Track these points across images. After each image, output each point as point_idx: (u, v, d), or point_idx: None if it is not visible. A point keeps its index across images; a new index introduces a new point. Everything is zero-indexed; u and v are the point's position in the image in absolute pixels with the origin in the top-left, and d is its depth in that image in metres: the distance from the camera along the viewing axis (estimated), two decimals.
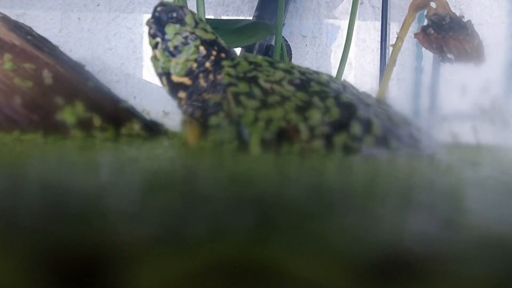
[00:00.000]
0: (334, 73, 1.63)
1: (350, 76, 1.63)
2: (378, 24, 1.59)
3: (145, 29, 1.65)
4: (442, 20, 0.81)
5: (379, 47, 1.56)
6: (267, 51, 1.39)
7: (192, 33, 0.53)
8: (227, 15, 1.63)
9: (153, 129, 0.58)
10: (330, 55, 1.64)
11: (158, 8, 0.54)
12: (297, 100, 0.46)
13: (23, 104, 0.51)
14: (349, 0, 1.61)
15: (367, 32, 1.64)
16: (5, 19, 0.56)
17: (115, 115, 0.55)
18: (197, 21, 0.54)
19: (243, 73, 0.48)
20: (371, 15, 1.62)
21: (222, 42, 0.56)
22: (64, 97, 0.52)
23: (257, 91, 0.45)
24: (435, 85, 1.39)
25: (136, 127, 0.55)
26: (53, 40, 1.71)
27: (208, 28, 0.55)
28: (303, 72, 0.50)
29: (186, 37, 0.53)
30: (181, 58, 0.53)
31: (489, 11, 1.61)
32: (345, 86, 0.52)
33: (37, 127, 0.50)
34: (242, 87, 0.46)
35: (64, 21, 1.59)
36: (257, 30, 1.22)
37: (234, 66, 0.49)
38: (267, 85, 0.47)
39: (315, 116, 0.44)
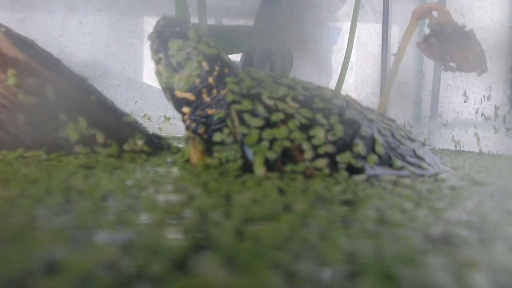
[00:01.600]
0: (335, 77, 1.64)
1: (350, 80, 1.63)
2: (379, 28, 1.59)
3: (146, 33, 1.65)
4: (444, 29, 0.81)
5: (380, 51, 1.56)
6: (268, 56, 1.39)
7: (195, 48, 0.53)
8: (228, 17, 1.63)
9: (156, 143, 0.58)
10: (331, 58, 1.64)
11: (161, 22, 0.54)
12: (301, 117, 0.46)
13: (26, 121, 0.51)
14: (350, 4, 1.61)
15: (368, 36, 1.64)
16: (9, 34, 0.56)
17: (118, 130, 0.55)
18: (200, 35, 0.54)
19: (247, 89, 0.48)
20: (372, 19, 1.62)
21: (225, 56, 0.56)
22: (67, 113, 0.52)
23: (260, 109, 0.45)
24: (436, 90, 1.39)
25: (139, 142, 0.55)
26: (54, 44, 1.71)
27: (211, 42, 0.55)
28: (307, 87, 0.50)
29: (189, 53, 0.53)
30: (184, 73, 0.53)
31: (490, 14, 1.61)
32: (348, 101, 0.52)
33: (40, 144, 0.50)
34: (246, 104, 0.46)
35: (65, 25, 1.59)
36: (258, 37, 1.22)
37: (237, 83, 0.48)
38: (270, 102, 0.46)
39: (319, 134, 0.44)
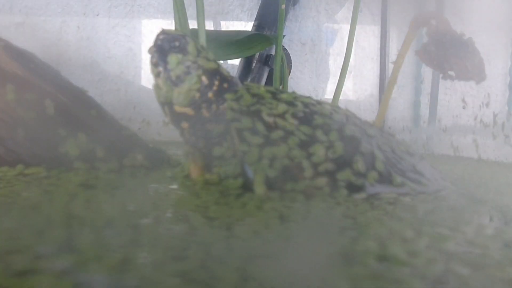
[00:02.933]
0: (333, 81, 1.63)
1: (349, 83, 1.63)
2: (377, 31, 1.59)
3: (144, 37, 1.64)
4: (443, 38, 0.81)
5: (378, 54, 1.56)
6: (266, 61, 1.39)
7: (194, 62, 0.53)
8: (226, 21, 1.63)
9: (155, 156, 0.58)
10: (330, 62, 1.64)
11: (160, 37, 0.54)
12: (301, 134, 0.46)
13: (26, 137, 0.51)
14: (348, 7, 1.61)
15: (367, 39, 1.64)
16: (8, 47, 0.56)
17: (118, 144, 0.55)
18: (199, 50, 0.54)
19: (246, 107, 0.48)
20: (370, 22, 1.62)
21: (224, 71, 0.56)
22: (67, 128, 0.52)
23: (260, 126, 0.45)
24: (435, 95, 1.39)
25: (139, 156, 0.55)
26: (52, 48, 1.71)
27: (211, 56, 0.55)
28: (306, 103, 0.50)
29: (188, 67, 0.53)
30: (184, 87, 0.52)
31: (488, 16, 1.61)
32: (348, 115, 0.52)
33: (40, 160, 0.50)
34: (246, 122, 0.46)
35: (64, 30, 1.59)
36: (257, 42, 1.22)
37: (237, 100, 0.48)
38: (270, 119, 0.46)
39: (319, 152, 0.44)
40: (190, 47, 0.53)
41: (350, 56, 1.18)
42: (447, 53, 0.84)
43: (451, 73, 0.86)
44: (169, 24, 1.54)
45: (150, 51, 0.55)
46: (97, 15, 1.55)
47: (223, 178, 0.47)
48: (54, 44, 1.57)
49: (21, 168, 0.49)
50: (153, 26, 1.56)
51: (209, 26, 1.57)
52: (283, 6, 1.14)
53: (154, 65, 0.54)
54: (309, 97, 0.53)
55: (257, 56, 1.38)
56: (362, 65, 1.61)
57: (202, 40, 0.96)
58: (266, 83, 1.42)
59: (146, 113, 1.56)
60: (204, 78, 0.53)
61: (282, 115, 0.47)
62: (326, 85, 1.60)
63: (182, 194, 0.40)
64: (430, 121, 1.33)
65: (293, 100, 0.50)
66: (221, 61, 1.53)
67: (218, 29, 1.62)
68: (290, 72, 1.53)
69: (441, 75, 0.87)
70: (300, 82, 1.59)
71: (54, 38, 1.57)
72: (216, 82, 0.53)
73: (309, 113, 0.49)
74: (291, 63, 1.52)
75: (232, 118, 0.46)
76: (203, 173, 0.49)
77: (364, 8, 1.63)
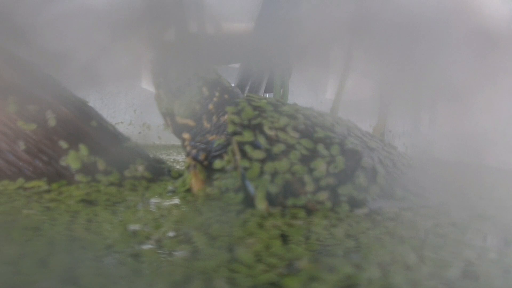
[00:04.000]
0: (334, 82, 1.63)
1: (349, 83, 1.63)
2: None
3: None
4: None
5: None
6: (266, 66, 1.38)
7: (195, 73, 0.53)
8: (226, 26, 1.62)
9: (156, 168, 0.58)
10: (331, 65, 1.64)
11: (161, 47, 0.54)
12: (302, 148, 0.46)
13: (26, 149, 0.50)
14: None
15: None
16: (9, 57, 0.56)
17: (119, 156, 0.55)
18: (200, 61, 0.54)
19: (248, 120, 0.47)
20: None
21: (225, 81, 0.56)
22: (67, 140, 0.52)
23: (262, 140, 0.45)
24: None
25: (140, 168, 0.55)
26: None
27: (211, 67, 0.55)
28: (307, 115, 0.50)
29: (189, 78, 0.53)
30: (185, 99, 0.52)
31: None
32: (349, 127, 0.52)
33: (40, 173, 0.50)
34: (247, 136, 0.46)
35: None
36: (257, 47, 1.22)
37: (238, 113, 0.48)
38: (272, 133, 0.46)
39: (320, 167, 0.44)
40: (191, 58, 0.53)
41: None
42: None
43: None
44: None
45: (151, 61, 0.55)
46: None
47: (224, 192, 0.47)
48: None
49: (22, 182, 0.49)
50: (154, 29, 1.56)
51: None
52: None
53: (155, 75, 0.54)
54: (310, 109, 0.53)
55: (257, 61, 1.38)
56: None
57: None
58: (266, 87, 1.42)
59: (147, 117, 1.56)
60: (204, 89, 0.53)
61: (283, 128, 0.47)
62: (326, 87, 1.60)
63: (184, 211, 0.40)
64: (430, 126, 1.33)
65: (295, 113, 0.50)
66: (221, 65, 1.53)
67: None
68: (289, 78, 1.53)
69: None
70: (300, 88, 1.59)
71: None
72: (217, 94, 0.53)
73: (311, 125, 0.48)
74: (291, 68, 1.52)
75: (234, 132, 0.46)
76: (204, 186, 0.49)
77: None
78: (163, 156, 1.05)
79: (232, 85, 0.55)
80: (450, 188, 0.55)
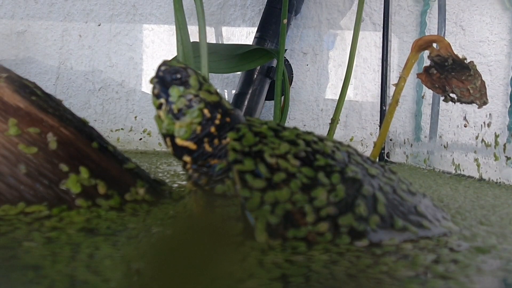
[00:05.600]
0: (335, 91, 1.64)
1: (350, 93, 1.63)
2: (378, 41, 1.59)
3: (145, 48, 1.65)
4: (445, 61, 0.81)
5: (379, 64, 1.56)
6: (268, 73, 1.39)
7: (196, 95, 0.53)
8: (228, 31, 1.63)
9: (157, 190, 0.58)
10: (331, 72, 1.64)
11: (162, 68, 0.54)
12: (302, 177, 0.46)
13: (27, 173, 0.51)
14: (349, 17, 1.61)
15: (368, 49, 1.64)
16: (10, 79, 0.56)
17: (119, 178, 0.55)
18: (201, 82, 0.54)
19: (249, 147, 0.47)
20: (371, 32, 1.62)
21: (226, 104, 0.56)
22: (68, 163, 0.52)
23: (262, 169, 0.45)
24: (436, 111, 1.39)
25: (141, 191, 0.55)
26: (54, 57, 1.70)
27: (212, 88, 0.55)
28: (308, 141, 0.50)
29: (190, 100, 0.53)
30: (185, 121, 0.52)
31: (489, 28, 1.61)
32: (350, 153, 0.52)
33: (41, 197, 0.50)
34: (248, 164, 0.46)
35: (65, 38, 1.59)
36: (258, 56, 1.22)
37: (239, 139, 0.48)
38: (272, 160, 0.46)
39: (321, 196, 0.44)
40: (192, 80, 0.53)
41: (352, 68, 1.18)
42: (448, 76, 0.84)
43: (453, 95, 0.86)
44: (171, 35, 1.54)
45: (151, 81, 0.55)
46: (99, 25, 1.55)
47: (225, 219, 0.47)
48: (56, 52, 1.57)
49: (23, 206, 0.49)
50: (154, 36, 1.56)
51: (210, 35, 1.57)
52: (285, 21, 1.14)
53: (156, 96, 0.54)
54: (311, 133, 0.53)
55: (258, 68, 1.38)
56: (363, 75, 1.61)
57: (204, 52, 0.96)
58: (267, 95, 1.42)
59: (147, 123, 1.56)
60: (206, 111, 0.53)
61: (284, 156, 0.47)
62: (327, 95, 1.60)
63: (184, 243, 0.40)
64: (431, 136, 1.33)
65: (295, 138, 0.50)
66: (223, 74, 1.53)
67: (219, 37, 1.62)
68: (291, 83, 1.53)
69: (442, 98, 0.87)
70: (301, 92, 1.59)
71: (56, 47, 1.57)
72: (218, 116, 0.53)
73: (311, 152, 0.48)
74: (293, 74, 1.52)
75: (235, 160, 0.46)
76: (205, 212, 0.49)
77: (365, 17, 1.63)
78: (164, 166, 1.05)
79: (233, 108, 0.55)
80: (450, 207, 0.55)
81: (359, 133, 1.59)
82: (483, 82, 0.83)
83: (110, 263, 0.34)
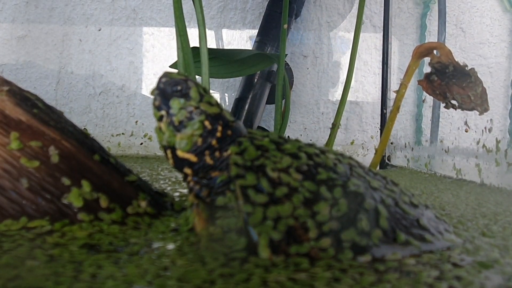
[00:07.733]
0: (336, 94, 1.63)
1: (351, 97, 1.63)
2: (379, 44, 1.59)
3: (145, 52, 1.64)
4: (446, 68, 0.81)
5: (380, 66, 1.56)
6: (268, 77, 1.39)
7: (197, 107, 0.53)
8: (228, 34, 1.63)
9: (159, 202, 0.58)
10: (332, 75, 1.64)
11: (163, 79, 0.54)
12: (305, 191, 0.46)
13: (29, 187, 0.51)
14: (350, 20, 1.60)
15: (369, 52, 1.64)
16: (12, 92, 0.56)
17: (121, 191, 0.55)
18: (202, 94, 0.54)
19: (250, 161, 0.48)
20: (372, 35, 1.62)
21: (227, 115, 0.56)
22: (70, 177, 0.52)
23: (265, 183, 0.45)
24: (437, 116, 1.39)
25: (143, 204, 0.55)
26: (55, 62, 1.70)
27: (213, 100, 0.55)
28: (310, 154, 0.50)
29: (191, 112, 0.53)
30: (186, 133, 0.52)
31: (490, 29, 1.61)
32: (352, 165, 0.52)
33: (43, 212, 0.50)
34: (250, 179, 0.46)
35: (66, 43, 1.59)
36: (258, 61, 1.22)
37: (241, 153, 0.48)
38: (274, 175, 0.46)
39: (324, 211, 0.44)
40: (193, 92, 0.53)
41: (352, 71, 1.18)
42: (449, 83, 0.84)
43: (454, 102, 0.86)
44: (171, 39, 1.54)
45: (152, 93, 0.55)
46: (99, 30, 1.55)
47: (227, 232, 0.47)
48: (56, 57, 1.57)
49: (25, 221, 0.49)
50: (154, 40, 1.56)
51: (211, 38, 1.57)
52: (285, 26, 1.14)
53: (157, 108, 0.54)
54: (312, 145, 0.53)
55: (259, 72, 1.38)
56: (363, 78, 1.61)
57: (204, 59, 0.96)
58: (268, 99, 1.42)
59: (148, 128, 1.56)
60: (207, 123, 0.53)
61: (286, 170, 0.47)
62: (328, 98, 1.60)
63: (187, 260, 0.40)
64: (432, 140, 1.33)
65: (297, 151, 0.50)
66: (223, 78, 1.53)
67: (219, 40, 1.61)
68: (292, 87, 1.53)
69: (443, 104, 0.87)
70: (302, 95, 1.59)
71: (56, 51, 1.57)
72: (219, 128, 0.53)
73: (313, 166, 0.48)
74: (293, 78, 1.52)
75: (237, 175, 0.46)
76: (207, 225, 0.49)
77: (366, 20, 1.63)
78: (165, 172, 1.05)
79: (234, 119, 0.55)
80: (451, 215, 0.55)
81: (360, 136, 1.59)
82: (484, 89, 0.83)
83: (113, 284, 0.34)
